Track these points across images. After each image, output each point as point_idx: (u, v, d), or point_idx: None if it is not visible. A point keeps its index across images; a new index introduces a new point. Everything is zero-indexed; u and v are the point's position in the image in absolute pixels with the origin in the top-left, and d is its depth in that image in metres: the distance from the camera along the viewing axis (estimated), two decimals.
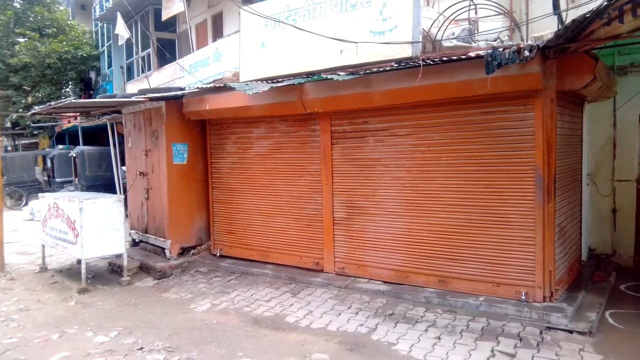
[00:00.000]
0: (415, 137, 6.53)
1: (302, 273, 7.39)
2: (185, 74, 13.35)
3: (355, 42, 6.47)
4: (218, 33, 14.16)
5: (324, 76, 6.42)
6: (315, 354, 4.87)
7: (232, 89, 7.48)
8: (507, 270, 5.83)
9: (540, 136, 5.56)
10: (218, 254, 8.72)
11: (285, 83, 6.84)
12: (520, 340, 4.96)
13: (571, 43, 5.24)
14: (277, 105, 7.39)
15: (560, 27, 5.64)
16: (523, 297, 5.65)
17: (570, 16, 5.87)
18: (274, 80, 7.17)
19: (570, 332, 5.06)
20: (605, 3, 4.69)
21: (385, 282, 6.71)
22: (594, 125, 7.50)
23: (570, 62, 5.44)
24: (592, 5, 4.80)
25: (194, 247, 8.93)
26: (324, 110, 7.12)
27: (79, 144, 18.04)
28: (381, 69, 6.13)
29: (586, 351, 4.69)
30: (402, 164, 6.65)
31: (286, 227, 7.86)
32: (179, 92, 8.73)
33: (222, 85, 8.06)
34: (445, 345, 4.92)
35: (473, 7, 7.15)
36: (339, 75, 6.25)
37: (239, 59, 8.16)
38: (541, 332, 5.09)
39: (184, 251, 8.81)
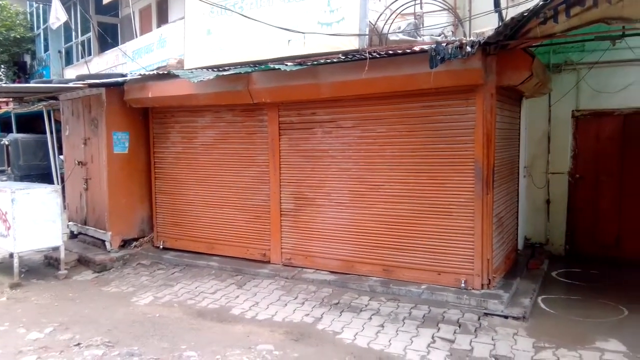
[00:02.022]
0: (362, 129, 6.60)
1: (248, 264, 7.34)
2: (127, 60, 12.85)
3: (302, 33, 6.43)
4: (163, 19, 13.70)
5: (271, 66, 6.36)
6: (260, 345, 4.86)
7: (176, 76, 7.27)
8: (448, 259, 6.03)
9: (480, 130, 5.75)
10: (161, 246, 8.49)
11: (231, 72, 6.72)
12: (460, 326, 5.14)
13: (510, 40, 5.45)
14: (223, 94, 7.25)
15: (500, 24, 5.83)
16: (463, 285, 5.86)
17: (510, 14, 6.07)
18: (220, 69, 7.03)
19: (506, 317, 5.30)
20: (541, 3, 4.90)
21: (331, 272, 6.77)
22: (531, 120, 7.86)
23: (509, 59, 5.65)
24: (531, 4, 5.01)
25: (136, 239, 8.65)
26: (271, 100, 7.06)
27: (12, 131, 17.00)
28: (328, 61, 6.15)
29: (519, 335, 4.93)
30: (349, 156, 6.70)
31: (233, 218, 7.76)
32: (120, 79, 8.40)
33: (165, 72, 7.83)
34: (388, 333, 5.03)
35: (418, 1, 7.27)
36: (286, 65, 6.21)
37: (183, 46, 7.94)
38: (479, 318, 5.30)
39: (125, 243, 8.52)
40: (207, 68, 7.29)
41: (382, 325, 5.22)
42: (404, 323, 5.25)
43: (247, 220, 7.61)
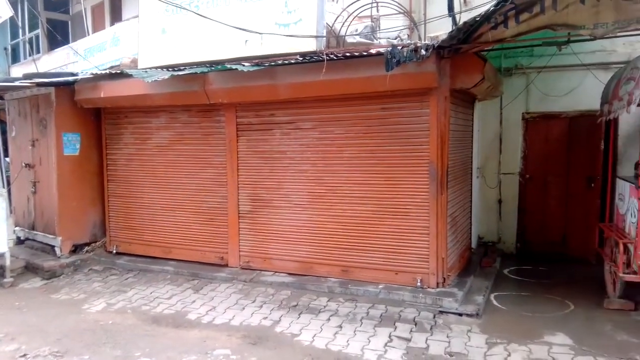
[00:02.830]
0: (320, 131, 6.62)
1: (205, 268, 7.22)
2: (79, 58, 12.40)
3: (259, 33, 6.39)
4: (116, 16, 13.28)
5: (228, 66, 6.29)
6: (217, 350, 4.78)
7: (129, 76, 7.07)
8: (404, 259, 6.12)
9: (434, 132, 5.88)
10: (115, 251, 8.24)
11: (187, 72, 6.61)
12: (416, 324, 5.23)
13: (463, 44, 5.59)
14: (178, 95, 7.12)
15: (453, 28, 5.97)
16: (419, 284, 5.97)
17: (463, 18, 6.24)
18: (175, 69, 6.89)
19: (460, 315, 5.44)
20: (492, 8, 5.06)
21: (290, 274, 6.76)
22: (483, 123, 8.09)
23: (462, 63, 5.79)
24: (483, 9, 5.16)
25: (87, 244, 8.37)
26: (228, 101, 6.98)
27: None
28: (286, 62, 6.13)
29: (473, 332, 5.06)
30: (307, 157, 6.71)
31: (189, 221, 7.62)
32: (70, 78, 8.09)
33: (119, 71, 7.60)
34: (346, 333, 5.06)
35: (375, 4, 7.36)
36: (243, 65, 6.16)
37: (138, 45, 7.74)
38: (434, 316, 5.42)
39: (76, 249, 8.22)
40: (162, 68, 7.13)
41: (340, 326, 5.24)
42: (362, 323, 5.30)
43: (203, 223, 7.49)
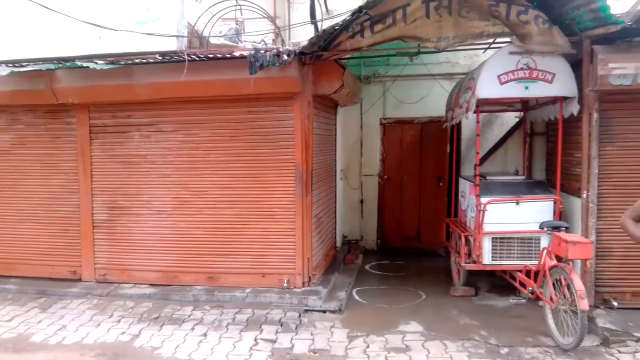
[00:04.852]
0: (183, 134, 6.41)
1: (55, 284, 6.55)
2: None
3: (113, 29, 5.97)
4: None
5: (79, 63, 5.80)
6: None
7: None
8: (271, 261, 6.18)
9: (299, 135, 6.02)
10: None
11: (30, 68, 5.96)
12: (282, 325, 5.29)
13: (324, 51, 5.81)
14: (20, 94, 6.41)
15: (314, 35, 6.18)
16: (285, 285, 6.06)
17: (325, 26, 6.47)
18: (17, 64, 6.17)
19: (324, 311, 5.63)
20: (349, 18, 5.34)
21: (152, 285, 6.43)
22: (346, 127, 8.49)
23: (323, 69, 6.02)
24: (343, 18, 5.42)
25: None
26: (80, 101, 6.45)
27: None
28: (144, 61, 5.84)
29: (336, 327, 5.26)
30: (170, 161, 6.46)
31: (36, 233, 6.86)
32: None
33: None
34: (211, 341, 4.93)
35: (239, 7, 7.32)
36: (96, 63, 5.72)
37: None
38: (300, 315, 5.53)
39: None
40: (0, 63, 6.33)
41: (205, 334, 5.10)
42: (228, 329, 5.21)
43: (52, 234, 6.81)
